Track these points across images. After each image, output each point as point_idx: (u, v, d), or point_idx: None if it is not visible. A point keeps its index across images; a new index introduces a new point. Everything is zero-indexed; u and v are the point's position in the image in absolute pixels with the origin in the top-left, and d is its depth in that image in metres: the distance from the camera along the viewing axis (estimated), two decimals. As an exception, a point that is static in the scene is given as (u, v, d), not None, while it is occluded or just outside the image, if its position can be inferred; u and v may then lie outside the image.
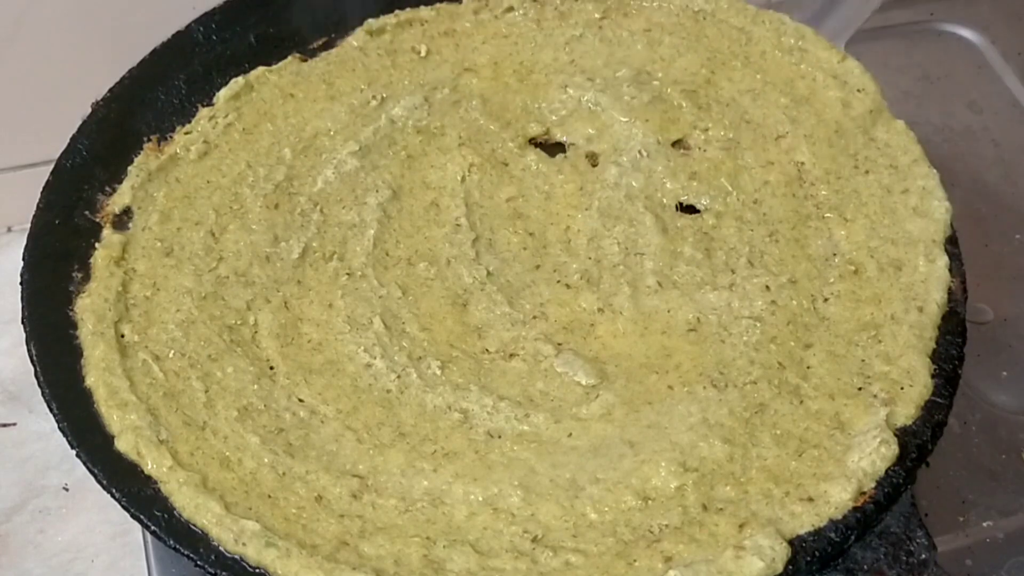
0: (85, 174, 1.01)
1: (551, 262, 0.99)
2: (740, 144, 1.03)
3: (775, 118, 1.05)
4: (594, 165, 1.05)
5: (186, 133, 1.05)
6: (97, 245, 0.97)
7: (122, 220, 0.99)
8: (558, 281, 0.97)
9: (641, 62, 1.09)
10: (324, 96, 1.08)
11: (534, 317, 0.95)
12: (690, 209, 1.01)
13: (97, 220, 0.98)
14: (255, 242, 0.98)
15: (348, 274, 0.97)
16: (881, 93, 1.05)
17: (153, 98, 1.06)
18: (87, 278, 0.95)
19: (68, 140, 1.02)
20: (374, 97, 1.08)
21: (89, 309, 0.92)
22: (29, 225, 0.97)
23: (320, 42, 1.12)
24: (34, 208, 0.98)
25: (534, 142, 1.07)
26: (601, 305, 0.95)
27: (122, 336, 0.91)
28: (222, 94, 1.07)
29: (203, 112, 1.06)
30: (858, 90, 1.05)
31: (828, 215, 0.99)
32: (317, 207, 1.01)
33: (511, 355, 0.93)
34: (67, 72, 1.17)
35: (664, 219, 1.00)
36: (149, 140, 1.04)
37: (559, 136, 1.07)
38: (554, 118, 1.07)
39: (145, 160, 1.02)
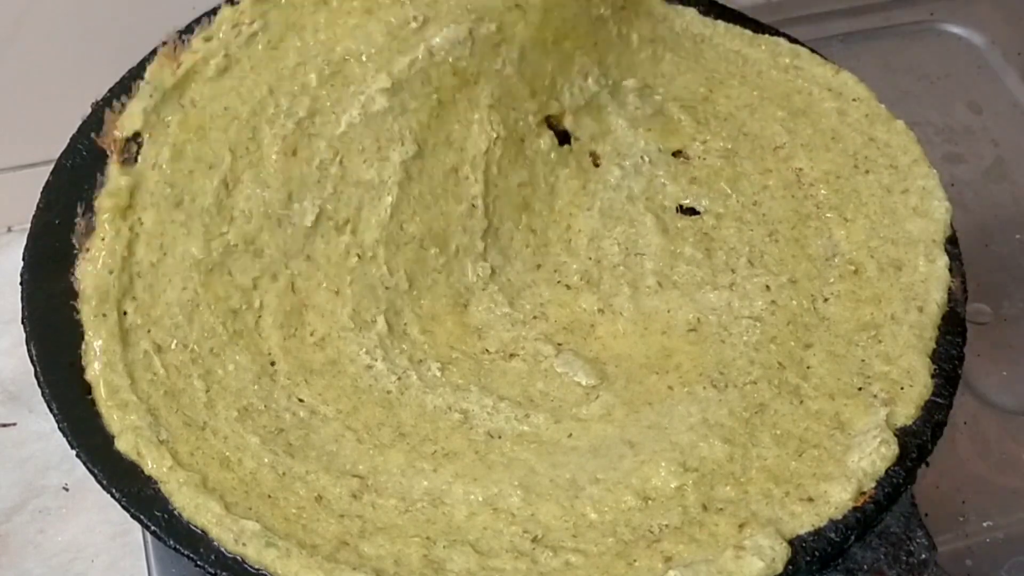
0: (85, 174, 1.01)
1: (552, 262, 0.99)
2: (738, 154, 1.04)
3: (772, 130, 1.05)
4: (596, 165, 1.04)
5: (206, 39, 0.96)
6: (101, 190, 0.92)
7: (129, 150, 0.93)
8: (558, 282, 0.97)
9: (645, 74, 1.08)
10: (360, 8, 0.97)
11: (534, 317, 0.95)
12: (690, 211, 1.01)
13: (103, 146, 0.93)
14: (268, 200, 0.94)
15: (359, 255, 0.95)
16: (876, 99, 1.05)
17: (153, 98, 1.06)
18: (89, 227, 0.91)
19: (68, 140, 1.02)
20: (415, 18, 0.97)
21: (92, 282, 0.89)
22: (29, 225, 0.97)
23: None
24: (34, 208, 0.98)
25: (549, 121, 1.03)
26: (601, 306, 0.95)
27: (124, 314, 0.89)
28: None
29: (225, 14, 0.97)
30: (853, 99, 1.05)
31: (828, 215, 0.99)
32: (337, 156, 0.95)
33: (511, 355, 0.93)
34: (67, 72, 1.17)
35: (664, 220, 1.00)
36: (164, 44, 0.95)
37: (569, 125, 1.04)
38: (569, 103, 1.04)
39: (159, 72, 0.94)
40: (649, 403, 0.89)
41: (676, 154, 1.04)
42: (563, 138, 1.05)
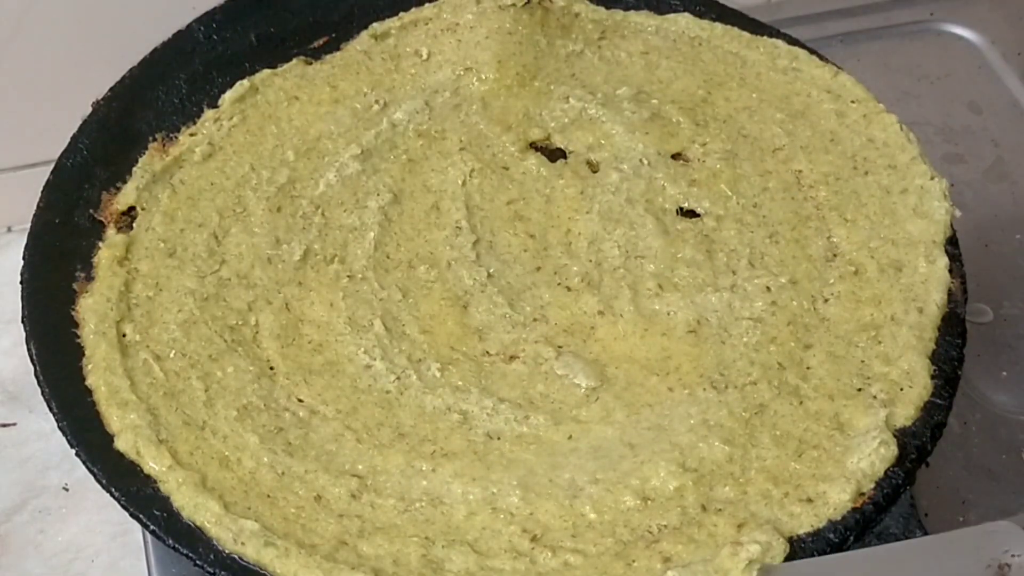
0: (86, 173, 1.01)
1: (552, 264, 0.98)
2: (738, 156, 1.04)
3: (772, 132, 1.05)
4: (594, 171, 1.04)
5: (191, 135, 1.05)
6: (100, 244, 0.97)
7: (126, 221, 0.99)
8: (559, 283, 0.97)
9: (640, 82, 1.10)
10: (328, 99, 1.09)
11: (535, 319, 0.95)
12: (690, 214, 1.01)
13: (101, 219, 0.99)
14: (257, 244, 0.98)
15: (349, 276, 0.97)
16: (875, 100, 1.05)
17: (154, 97, 1.06)
18: (89, 278, 0.95)
19: (68, 140, 1.02)
20: (376, 101, 1.08)
21: (91, 309, 0.92)
22: (29, 225, 0.97)
23: (322, 41, 1.12)
24: (34, 208, 0.98)
25: (535, 146, 1.07)
26: (602, 308, 0.95)
27: (123, 336, 0.91)
28: (227, 96, 1.07)
29: (208, 114, 1.06)
30: (852, 101, 1.05)
31: (828, 215, 0.99)
32: (319, 210, 1.01)
33: (511, 357, 0.93)
34: (67, 72, 1.17)
35: (665, 222, 1.00)
36: (155, 140, 1.04)
37: (560, 143, 1.07)
38: (554, 125, 1.07)
39: (150, 161, 1.02)
40: (649, 405, 0.89)
41: (675, 156, 1.04)
42: (557, 153, 1.06)
